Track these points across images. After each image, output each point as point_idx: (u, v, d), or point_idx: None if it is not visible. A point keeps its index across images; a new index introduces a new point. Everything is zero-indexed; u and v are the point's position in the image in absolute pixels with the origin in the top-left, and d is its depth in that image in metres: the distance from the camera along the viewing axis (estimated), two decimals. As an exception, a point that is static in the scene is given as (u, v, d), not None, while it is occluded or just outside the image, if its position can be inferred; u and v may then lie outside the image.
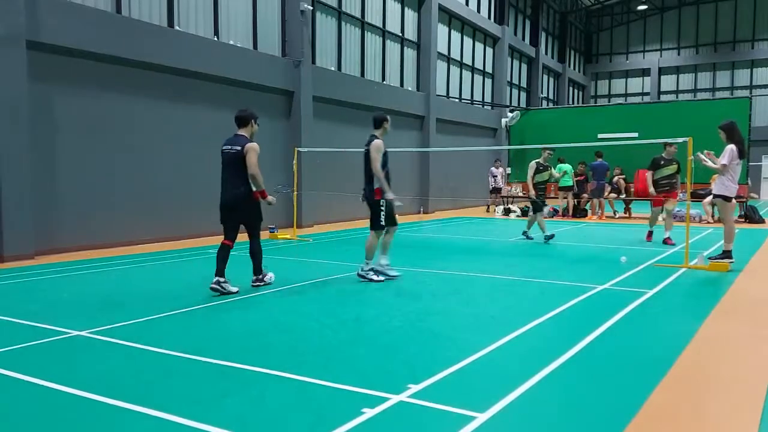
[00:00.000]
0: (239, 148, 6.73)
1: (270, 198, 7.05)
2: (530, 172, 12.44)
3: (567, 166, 18.03)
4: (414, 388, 3.79)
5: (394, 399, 3.62)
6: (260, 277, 7.26)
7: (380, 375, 4.08)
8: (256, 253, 7.12)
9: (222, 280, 6.68)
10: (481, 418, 3.36)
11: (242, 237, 7.08)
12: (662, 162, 11.90)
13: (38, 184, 10.01)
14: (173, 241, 12.02)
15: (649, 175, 12.02)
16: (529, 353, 4.61)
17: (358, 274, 7.81)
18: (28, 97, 9.67)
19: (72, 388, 3.82)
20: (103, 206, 11.07)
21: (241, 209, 6.84)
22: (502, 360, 4.47)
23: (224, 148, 6.87)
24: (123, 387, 3.85)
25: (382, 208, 7.72)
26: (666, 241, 11.79)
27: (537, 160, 12.53)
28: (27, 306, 6.28)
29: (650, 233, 12.31)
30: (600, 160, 18.00)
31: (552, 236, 12.11)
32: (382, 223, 7.76)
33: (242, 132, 6.93)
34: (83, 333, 5.14)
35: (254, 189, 6.84)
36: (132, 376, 4.10)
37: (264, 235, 13.27)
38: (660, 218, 12.21)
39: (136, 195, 11.66)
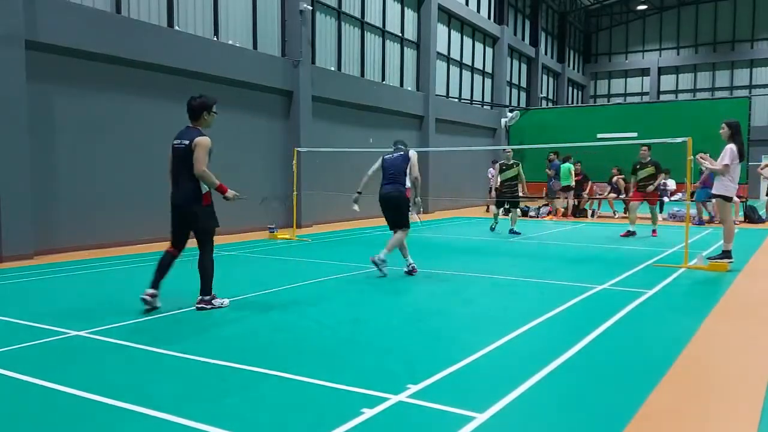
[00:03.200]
0: (187, 142, 5.88)
1: (230, 193, 6.02)
2: (494, 172, 13.74)
3: (568, 166, 17.98)
4: (413, 388, 3.79)
5: (394, 399, 3.61)
6: (207, 299, 6.03)
7: (379, 375, 4.08)
8: (205, 269, 5.98)
9: (155, 293, 5.93)
10: (481, 418, 3.36)
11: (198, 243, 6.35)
12: (638, 166, 12.97)
13: (37, 184, 10.00)
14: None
15: (632, 178, 13.31)
16: (528, 353, 4.61)
17: (405, 272, 8.13)
18: (27, 98, 9.66)
19: (71, 388, 3.82)
20: (102, 206, 11.07)
21: (188, 213, 5.93)
22: (502, 360, 4.46)
23: (174, 142, 6.04)
24: (122, 387, 3.85)
25: (410, 207, 8.15)
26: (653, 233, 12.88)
27: (500, 161, 13.81)
28: (26, 306, 6.28)
29: (631, 232, 12.93)
30: (558, 159, 18.14)
31: (518, 233, 13.41)
32: (409, 223, 8.19)
33: (194, 124, 6.06)
34: (82, 333, 5.14)
35: (204, 191, 5.91)
36: (131, 376, 4.09)
37: (263, 235, 13.30)
38: (638, 214, 13.27)
39: (135, 195, 11.64)
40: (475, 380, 4.02)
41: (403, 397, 3.65)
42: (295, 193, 13.04)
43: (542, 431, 3.29)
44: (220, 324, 5.54)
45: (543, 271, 8.52)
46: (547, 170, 18.58)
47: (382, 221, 8.48)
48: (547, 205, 19.43)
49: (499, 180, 13.72)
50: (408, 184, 8.11)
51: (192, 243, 6.12)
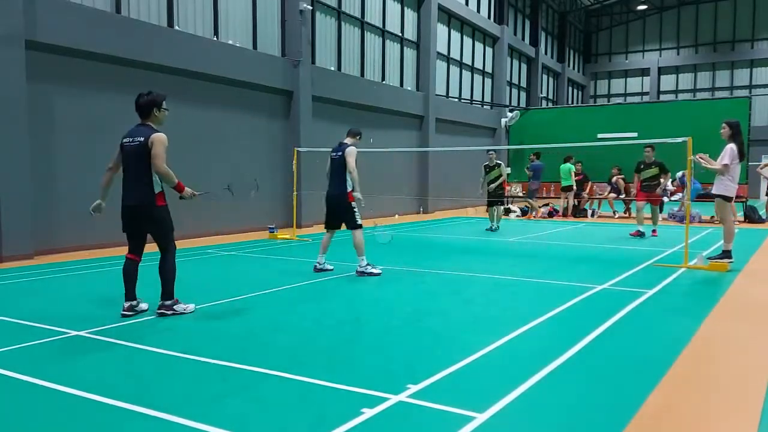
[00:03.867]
0: (142, 139, 5.60)
1: (187, 191, 5.76)
2: (483, 173, 14.58)
3: (569, 166, 17.99)
4: (413, 388, 3.79)
5: (394, 399, 3.61)
6: (169, 304, 5.74)
7: (380, 375, 4.08)
8: (167, 272, 5.72)
9: (134, 303, 5.76)
10: (481, 418, 3.36)
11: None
12: (642, 166, 13.03)
13: (37, 184, 10.00)
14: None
15: (635, 177, 13.34)
16: (528, 353, 4.61)
17: (357, 272, 8.09)
18: (27, 97, 9.66)
19: (72, 388, 3.82)
20: (103, 206, 11.06)
21: (144, 215, 5.66)
22: (502, 360, 4.46)
23: (125, 140, 5.75)
24: (122, 387, 3.85)
25: (356, 208, 8.13)
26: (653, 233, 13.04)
27: (485, 163, 14.64)
28: (26, 306, 6.28)
29: (640, 232, 12.92)
30: (538, 161, 18.24)
31: (496, 229, 14.38)
32: (359, 222, 8.15)
33: (144, 122, 5.84)
34: (82, 333, 5.14)
35: (157, 190, 5.66)
36: (131, 376, 4.09)
37: (263, 235, 13.30)
38: (644, 215, 13.22)
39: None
40: (475, 380, 4.02)
41: (403, 397, 3.65)
42: (295, 193, 13.04)
43: (542, 431, 3.29)
44: (220, 324, 5.54)
45: (543, 271, 8.52)
46: (526, 170, 19.02)
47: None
48: (546, 204, 19.45)
49: (483, 182, 14.52)
50: (350, 184, 8.07)
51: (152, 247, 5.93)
